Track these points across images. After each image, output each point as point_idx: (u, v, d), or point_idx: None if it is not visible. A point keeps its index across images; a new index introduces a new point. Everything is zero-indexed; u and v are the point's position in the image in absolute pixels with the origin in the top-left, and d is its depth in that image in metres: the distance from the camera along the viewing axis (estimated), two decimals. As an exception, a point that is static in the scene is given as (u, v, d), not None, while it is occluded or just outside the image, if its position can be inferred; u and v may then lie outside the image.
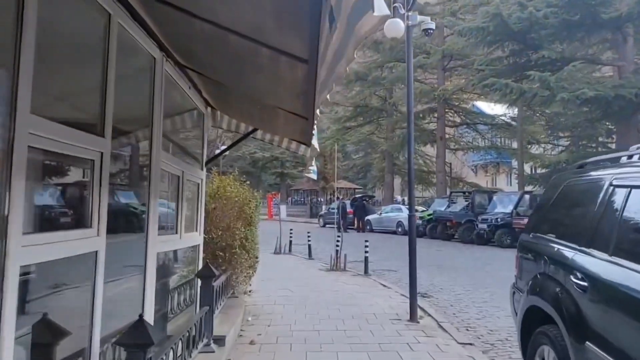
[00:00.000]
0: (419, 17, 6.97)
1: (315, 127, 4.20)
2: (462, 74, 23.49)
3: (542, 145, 32.81)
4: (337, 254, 11.89)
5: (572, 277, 3.04)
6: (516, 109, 30.16)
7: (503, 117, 29.79)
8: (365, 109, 32.43)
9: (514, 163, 38.41)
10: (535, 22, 15.72)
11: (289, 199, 60.46)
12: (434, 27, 7.11)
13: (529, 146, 30.45)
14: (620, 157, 3.35)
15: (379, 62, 29.97)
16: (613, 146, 31.70)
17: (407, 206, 27.98)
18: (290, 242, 16.00)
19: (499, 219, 17.62)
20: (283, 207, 45.77)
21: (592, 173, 3.45)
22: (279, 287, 9.33)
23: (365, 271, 11.10)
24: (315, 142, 4.33)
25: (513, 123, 29.63)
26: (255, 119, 5.30)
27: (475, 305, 8.08)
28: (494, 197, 19.58)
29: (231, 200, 6.43)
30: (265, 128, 5.60)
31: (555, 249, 3.46)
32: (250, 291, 7.59)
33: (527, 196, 18.51)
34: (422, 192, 43.87)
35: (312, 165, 4.59)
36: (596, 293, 2.80)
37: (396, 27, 7.64)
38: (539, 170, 31.11)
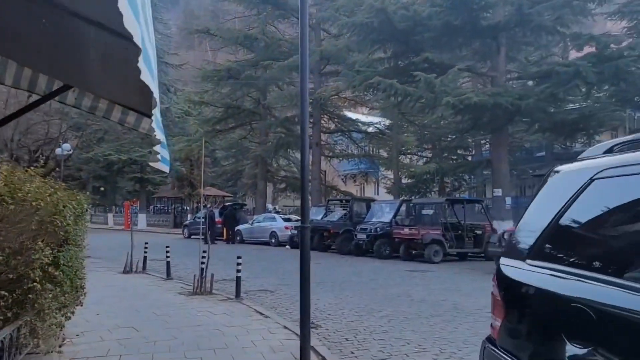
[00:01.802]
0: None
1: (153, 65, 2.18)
2: (340, 79, 22.61)
3: (409, 155, 33.65)
4: (202, 272, 9.68)
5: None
6: (387, 121, 30.47)
7: (377, 125, 29.74)
8: (237, 111, 30.18)
9: (382, 173, 39.18)
10: (419, 23, 15.19)
11: (151, 207, 55.70)
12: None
13: (400, 156, 30.85)
14: None
15: (253, 61, 28.06)
16: (470, 158, 33.78)
17: (281, 215, 26.47)
18: (145, 258, 13.32)
19: (378, 229, 16.72)
20: (142, 217, 41.65)
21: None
22: (120, 323, 6.92)
23: (237, 294, 9.07)
24: (156, 95, 2.33)
25: (387, 131, 29.72)
26: (60, 64, 3.06)
27: (375, 338, 6.52)
28: (372, 206, 18.75)
29: (26, 206, 4.03)
30: (80, 82, 3.37)
31: (619, 297, 1.84)
32: (61, 346, 5.15)
33: (404, 205, 17.93)
34: (294, 201, 42.84)
35: (160, 148, 2.70)
36: None
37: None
38: (405, 180, 31.79)
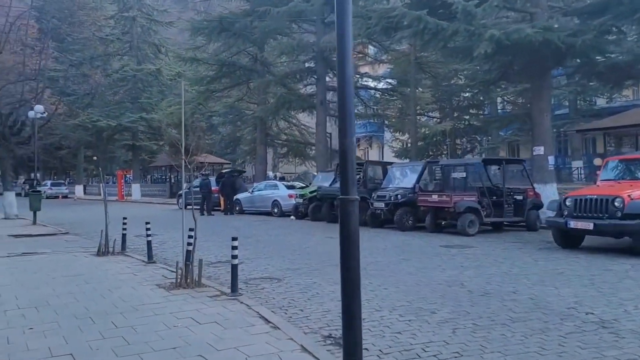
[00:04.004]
0: None
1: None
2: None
3: (419, 116, 31.05)
4: (187, 257, 7.32)
5: None
6: (393, 80, 27.67)
7: (389, 80, 26.92)
8: (233, 69, 27.32)
9: (387, 136, 36.54)
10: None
11: (149, 176, 53.48)
12: None
13: (409, 116, 28.09)
14: None
15: (248, 11, 25.00)
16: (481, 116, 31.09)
17: (283, 182, 24.10)
18: (124, 236, 11.02)
19: (399, 196, 14.31)
20: (136, 187, 39.31)
21: None
22: (56, 346, 4.61)
23: (233, 288, 6.73)
24: None
25: (400, 88, 26.96)
26: None
27: (446, 367, 4.17)
28: (390, 170, 16.28)
29: None
30: None
31: None
32: None
33: (429, 167, 15.43)
34: (296, 167, 40.42)
35: None
36: None
37: None
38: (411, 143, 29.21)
